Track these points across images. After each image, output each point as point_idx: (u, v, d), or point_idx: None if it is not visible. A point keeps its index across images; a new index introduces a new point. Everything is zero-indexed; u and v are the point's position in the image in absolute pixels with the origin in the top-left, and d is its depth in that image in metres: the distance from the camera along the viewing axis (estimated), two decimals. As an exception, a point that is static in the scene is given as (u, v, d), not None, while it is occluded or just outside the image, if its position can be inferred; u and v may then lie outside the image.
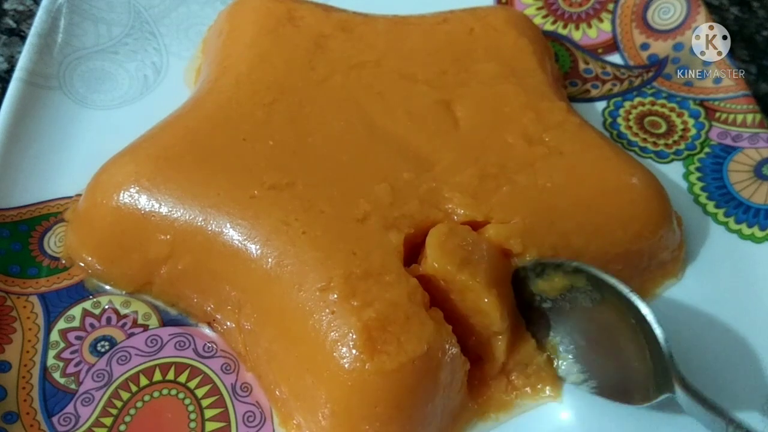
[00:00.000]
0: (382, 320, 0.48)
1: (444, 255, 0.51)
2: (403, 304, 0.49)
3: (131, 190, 0.55)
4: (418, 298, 0.49)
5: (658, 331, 0.50)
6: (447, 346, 0.49)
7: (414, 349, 0.47)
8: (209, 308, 0.55)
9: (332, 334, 0.48)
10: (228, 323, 0.55)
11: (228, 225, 0.53)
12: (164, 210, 0.54)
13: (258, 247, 0.52)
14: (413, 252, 0.53)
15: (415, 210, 0.54)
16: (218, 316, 0.55)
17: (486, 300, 0.50)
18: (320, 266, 0.50)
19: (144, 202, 0.54)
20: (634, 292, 0.51)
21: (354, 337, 0.47)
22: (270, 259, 0.51)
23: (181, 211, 0.54)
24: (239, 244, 0.52)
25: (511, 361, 0.53)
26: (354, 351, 0.47)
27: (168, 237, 0.54)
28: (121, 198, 0.55)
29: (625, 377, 0.52)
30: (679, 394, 0.48)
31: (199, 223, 0.53)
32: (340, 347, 0.47)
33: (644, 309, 0.50)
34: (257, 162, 0.55)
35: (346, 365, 0.47)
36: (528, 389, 0.53)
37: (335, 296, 0.49)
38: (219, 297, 0.54)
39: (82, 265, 0.58)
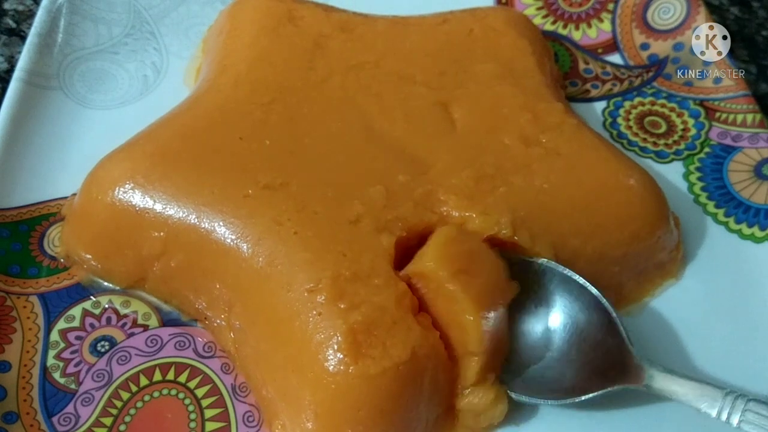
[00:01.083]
0: (368, 324, 0.47)
1: (442, 257, 0.50)
2: (390, 309, 0.48)
3: (126, 186, 0.55)
4: (406, 303, 0.49)
5: (620, 327, 0.51)
6: (433, 353, 0.48)
7: (399, 355, 0.47)
8: (201, 306, 0.55)
9: (318, 335, 0.48)
10: (219, 321, 0.55)
11: (221, 223, 0.53)
12: (158, 207, 0.54)
13: (250, 246, 0.52)
14: (405, 255, 0.52)
15: (409, 213, 0.53)
16: (209, 314, 0.55)
17: (469, 317, 0.49)
18: (309, 267, 0.50)
19: (138, 198, 0.54)
20: (594, 287, 0.52)
21: (339, 339, 0.47)
22: (261, 259, 0.51)
23: (175, 208, 0.54)
24: (231, 243, 0.52)
25: (466, 401, 0.51)
26: (339, 354, 0.47)
27: (161, 234, 0.54)
28: (116, 194, 0.55)
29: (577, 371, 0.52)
30: (659, 378, 0.49)
31: (192, 221, 0.53)
32: (325, 349, 0.47)
33: (604, 302, 0.52)
34: (253, 161, 0.55)
35: (331, 368, 0.47)
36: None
37: (323, 298, 0.48)
38: (210, 295, 0.54)
39: (77, 259, 0.58)
